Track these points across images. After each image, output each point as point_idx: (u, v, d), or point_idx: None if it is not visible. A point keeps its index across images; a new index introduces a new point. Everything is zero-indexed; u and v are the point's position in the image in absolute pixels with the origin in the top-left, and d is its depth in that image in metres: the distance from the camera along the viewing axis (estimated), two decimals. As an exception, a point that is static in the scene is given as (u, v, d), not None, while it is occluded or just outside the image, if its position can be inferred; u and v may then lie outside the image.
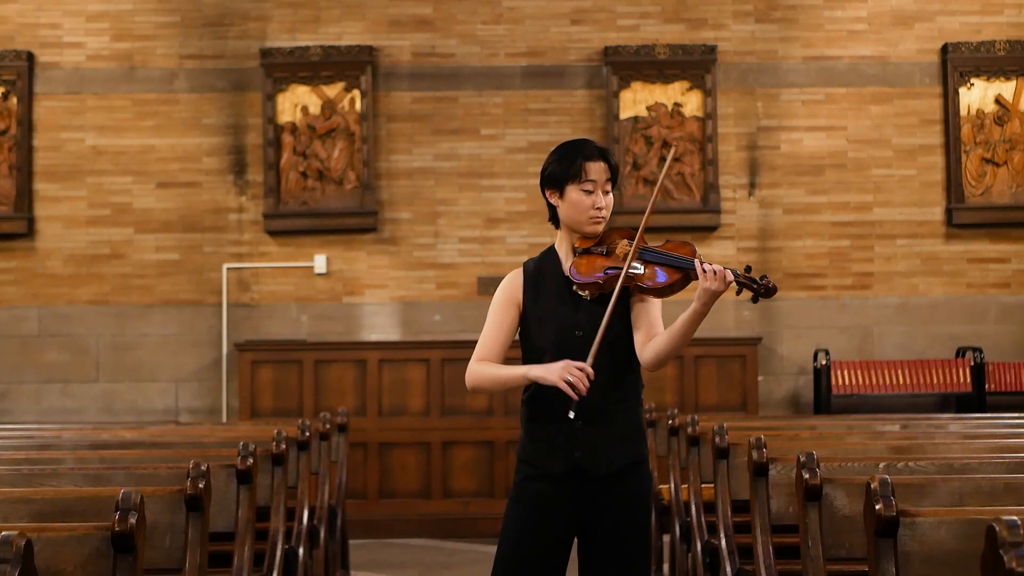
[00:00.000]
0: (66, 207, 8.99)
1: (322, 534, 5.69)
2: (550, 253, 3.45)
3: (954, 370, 8.61)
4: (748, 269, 3.20)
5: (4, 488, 3.24)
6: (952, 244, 9.05)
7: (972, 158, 9.02)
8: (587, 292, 3.30)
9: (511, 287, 3.41)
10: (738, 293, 3.23)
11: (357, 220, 8.93)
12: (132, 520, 2.52)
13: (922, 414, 7.45)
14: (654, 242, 3.37)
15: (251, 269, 8.98)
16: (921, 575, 2.73)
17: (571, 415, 3.17)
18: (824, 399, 8.58)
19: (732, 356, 8.55)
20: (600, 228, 3.37)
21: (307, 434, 5.11)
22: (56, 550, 2.52)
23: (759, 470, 3.84)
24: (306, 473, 5.16)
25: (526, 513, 3.30)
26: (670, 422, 6.00)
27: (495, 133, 8.96)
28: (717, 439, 4.57)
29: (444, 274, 8.90)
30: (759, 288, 3.17)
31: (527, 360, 3.36)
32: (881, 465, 3.76)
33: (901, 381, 8.60)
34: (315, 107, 8.96)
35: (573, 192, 3.34)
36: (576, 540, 3.35)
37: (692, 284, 3.25)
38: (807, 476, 3.27)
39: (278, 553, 4.32)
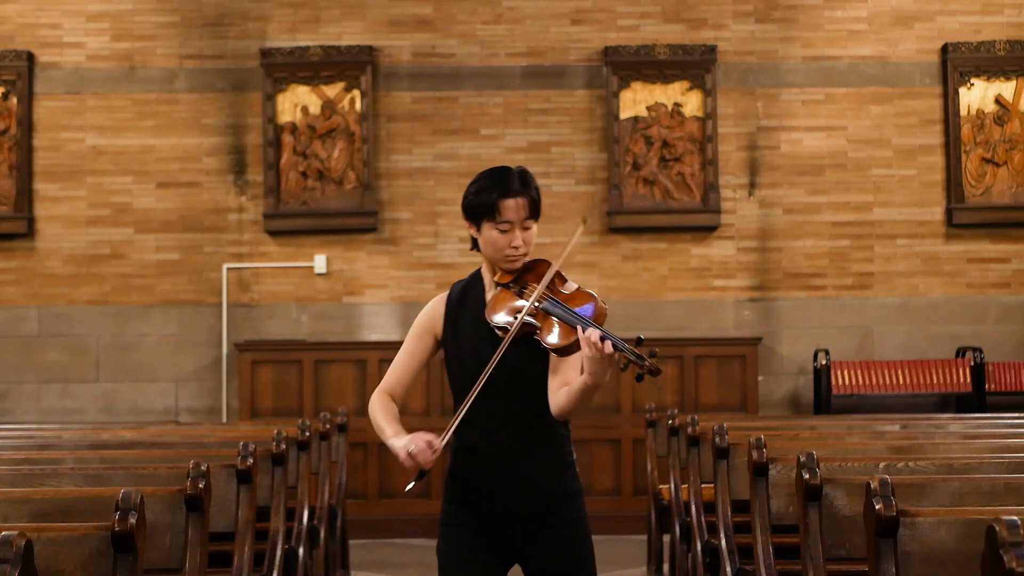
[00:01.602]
0: (66, 207, 8.99)
1: (322, 534, 5.69)
2: (475, 280, 3.32)
3: (954, 370, 8.61)
4: (639, 342, 2.95)
5: (4, 488, 3.24)
6: (952, 244, 9.05)
7: (972, 158, 9.02)
8: (500, 332, 3.16)
9: (431, 316, 3.31)
10: (623, 369, 2.98)
11: (357, 220, 8.93)
12: (132, 520, 2.52)
13: (922, 414, 7.45)
14: (572, 285, 3.19)
15: (251, 269, 8.98)
16: (921, 575, 2.73)
17: (408, 487, 3.11)
18: (824, 399, 8.58)
19: (732, 356, 8.55)
20: (517, 265, 3.20)
21: (307, 434, 5.11)
22: (56, 550, 2.52)
23: (759, 470, 3.84)
24: (306, 473, 5.16)
25: (460, 543, 3.23)
26: (670, 422, 6.00)
27: (495, 133, 8.96)
28: (717, 439, 4.57)
29: (444, 274, 8.90)
30: (644, 367, 2.92)
31: (452, 387, 3.29)
32: (881, 465, 3.76)
33: (901, 381, 8.60)
34: (315, 107, 8.96)
35: (488, 230, 3.17)
36: (519, 566, 3.28)
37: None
38: (807, 476, 3.27)
39: (278, 553, 4.32)
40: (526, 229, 3.19)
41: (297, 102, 8.96)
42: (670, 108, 8.96)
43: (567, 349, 3.06)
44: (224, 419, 8.75)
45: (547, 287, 3.14)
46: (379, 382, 3.38)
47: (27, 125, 8.97)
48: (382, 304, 8.97)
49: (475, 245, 3.28)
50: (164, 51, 9.07)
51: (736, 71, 9.10)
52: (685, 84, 8.98)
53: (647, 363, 2.91)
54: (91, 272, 8.96)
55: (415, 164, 9.04)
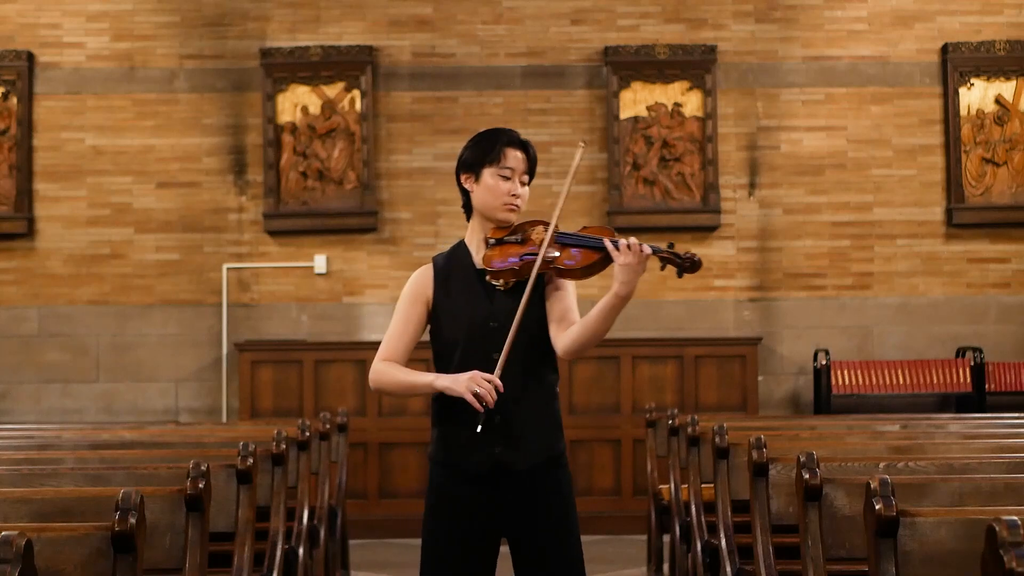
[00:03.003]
0: (66, 207, 8.99)
1: (322, 534, 5.69)
2: (460, 247, 3.32)
3: (954, 370, 8.61)
4: (671, 245, 3.09)
5: (4, 488, 3.24)
6: (952, 244, 9.05)
7: (972, 158, 9.02)
8: (501, 281, 3.18)
9: (419, 283, 3.28)
10: (662, 268, 3.10)
11: (357, 220, 8.93)
12: (132, 520, 2.52)
13: (922, 414, 7.46)
14: (571, 229, 3.26)
15: (251, 269, 8.98)
16: (921, 575, 2.73)
17: (479, 428, 3.07)
18: (824, 399, 8.58)
19: (732, 356, 8.55)
20: (514, 217, 3.25)
21: (307, 434, 5.11)
22: (56, 550, 2.52)
23: (759, 470, 3.84)
24: (306, 473, 5.16)
25: (448, 524, 3.17)
26: (670, 422, 6.00)
27: (495, 133, 8.94)
28: (717, 439, 4.58)
29: (444, 274, 8.89)
30: (683, 262, 3.04)
31: (437, 357, 3.25)
32: (881, 465, 3.76)
33: (901, 381, 8.60)
34: (315, 107, 8.96)
35: (489, 176, 3.22)
36: (507, 540, 3.24)
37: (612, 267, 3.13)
38: (807, 476, 3.27)
39: (278, 553, 4.32)
40: (523, 184, 3.27)
41: (297, 102, 8.96)
42: (670, 108, 8.96)
43: (590, 269, 3.13)
44: (224, 419, 8.75)
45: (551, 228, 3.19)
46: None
47: (27, 125, 8.97)
48: (382, 304, 8.97)
49: (466, 205, 3.30)
50: (164, 51, 9.07)
51: (736, 71, 9.10)
52: (685, 84, 8.98)
53: (685, 257, 3.06)
54: (91, 272, 8.96)
55: (415, 164, 9.04)
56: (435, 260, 3.33)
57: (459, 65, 9.09)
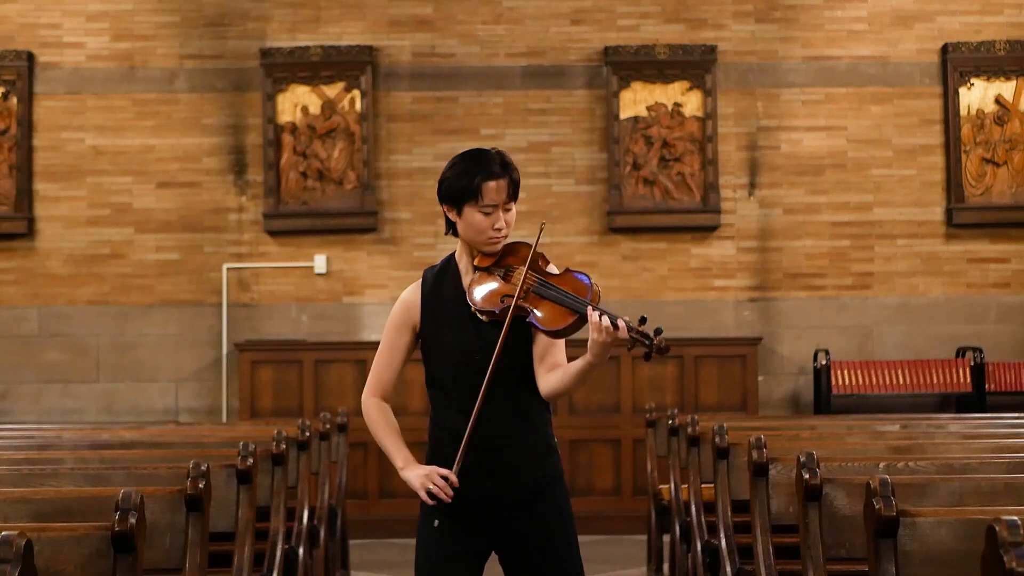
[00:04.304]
0: (66, 207, 8.99)
1: (322, 534, 5.69)
2: (450, 265, 3.29)
3: (954, 370, 8.61)
4: (643, 320, 2.98)
5: (4, 488, 3.24)
6: (952, 244, 9.05)
7: (972, 158, 9.02)
8: (484, 317, 3.15)
9: (406, 309, 3.27)
10: (629, 349, 3.00)
11: (357, 220, 8.93)
12: (132, 520, 2.52)
13: (922, 414, 7.46)
14: (553, 267, 3.19)
15: (251, 269, 8.98)
16: (921, 575, 2.73)
17: (435, 523, 3.11)
18: (824, 399, 8.58)
19: (732, 356, 8.55)
20: (499, 247, 3.19)
21: (307, 434, 5.11)
22: (56, 550, 2.52)
23: (759, 470, 3.84)
24: (306, 473, 5.16)
25: (439, 531, 3.17)
26: (670, 422, 6.00)
27: (495, 133, 8.95)
28: (717, 439, 4.58)
29: (444, 274, 8.89)
30: (652, 346, 2.93)
31: (430, 380, 3.26)
32: (881, 465, 3.76)
33: (901, 381, 8.60)
34: (315, 107, 8.96)
35: (471, 213, 3.15)
36: (496, 553, 3.24)
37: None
38: (807, 476, 3.27)
39: (278, 553, 4.32)
40: (507, 211, 3.17)
41: (297, 102, 8.96)
42: (670, 108, 8.96)
43: (564, 331, 3.06)
44: (224, 419, 8.75)
45: (532, 269, 3.12)
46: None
47: (27, 125, 8.96)
48: (382, 304, 8.97)
49: (450, 229, 3.26)
50: (164, 51, 9.07)
51: (736, 71, 9.10)
52: (685, 84, 8.98)
53: (655, 341, 2.93)
54: (91, 272, 8.96)
55: (415, 164, 9.04)
56: (424, 277, 3.30)
57: (459, 65, 9.09)
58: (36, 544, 2.23)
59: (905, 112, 9.09)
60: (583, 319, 3.02)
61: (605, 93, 8.98)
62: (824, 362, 8.64)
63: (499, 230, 3.16)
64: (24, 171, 8.92)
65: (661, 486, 6.35)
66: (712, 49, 8.97)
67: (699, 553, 4.97)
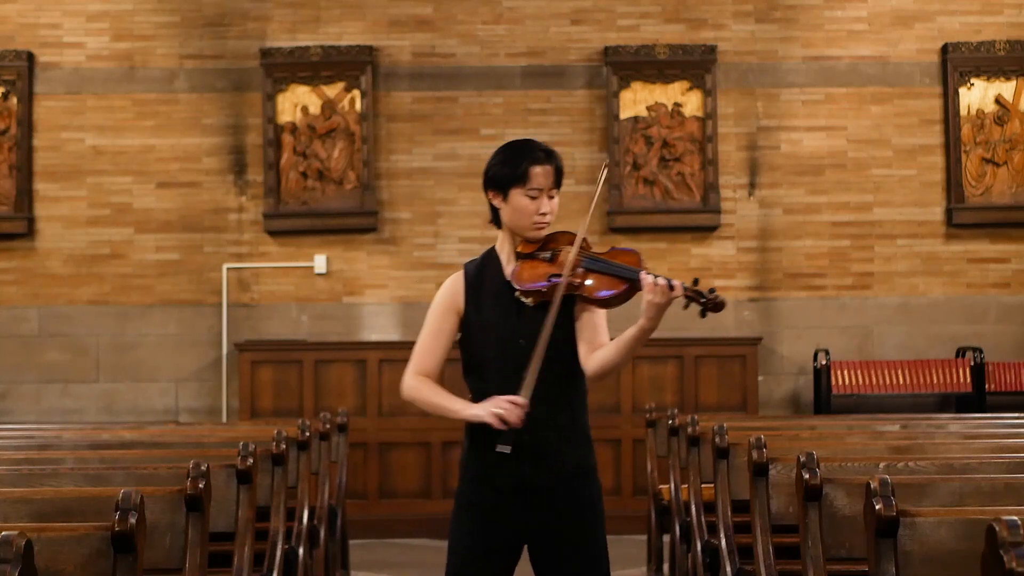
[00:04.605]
0: (66, 207, 8.99)
1: (322, 534, 5.69)
2: (491, 256, 3.35)
3: (954, 370, 8.61)
4: (696, 282, 3.11)
5: (4, 488, 3.24)
6: (952, 244, 9.05)
7: (972, 158, 9.02)
8: (530, 299, 3.20)
9: (451, 293, 3.32)
10: (685, 307, 3.13)
11: (357, 220, 8.93)
12: (132, 520, 2.52)
13: (922, 414, 7.45)
14: (600, 248, 3.27)
15: (251, 269, 8.98)
16: (921, 575, 2.73)
17: (502, 448, 3.09)
18: (824, 399, 8.58)
19: (732, 356, 8.55)
20: (543, 233, 3.27)
21: (307, 434, 5.11)
22: (56, 550, 2.52)
23: (759, 470, 3.84)
24: (306, 473, 5.16)
25: (473, 525, 3.22)
26: (670, 422, 6.00)
27: (495, 133, 8.95)
28: (717, 439, 4.57)
29: (444, 274, 8.79)
30: (706, 303, 3.07)
31: (467, 368, 3.29)
32: (881, 465, 3.75)
33: (901, 381, 8.60)
34: (315, 107, 8.96)
35: (517, 197, 3.23)
36: (527, 549, 3.28)
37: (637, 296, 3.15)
38: (807, 476, 3.27)
39: (278, 553, 4.32)
40: (551, 198, 3.26)
41: (297, 102, 8.96)
42: (670, 108, 8.96)
43: (615, 299, 3.15)
44: (224, 419, 8.75)
45: (579, 249, 3.20)
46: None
47: (27, 125, 8.96)
48: (382, 304, 8.97)
49: (494, 219, 3.32)
50: (164, 51, 9.07)
51: (736, 71, 9.10)
52: (685, 84, 8.98)
53: (709, 298, 3.09)
54: (91, 272, 8.96)
55: (415, 164, 9.04)
56: (466, 268, 3.36)
57: (459, 65, 9.09)
58: (36, 544, 2.22)
59: (905, 112, 9.09)
60: (633, 288, 3.13)
61: (605, 93, 8.98)
62: (824, 362, 8.64)
63: (544, 215, 3.24)
64: (24, 171, 8.92)
65: (661, 486, 6.35)
66: (712, 49, 8.97)
67: (699, 553, 4.96)
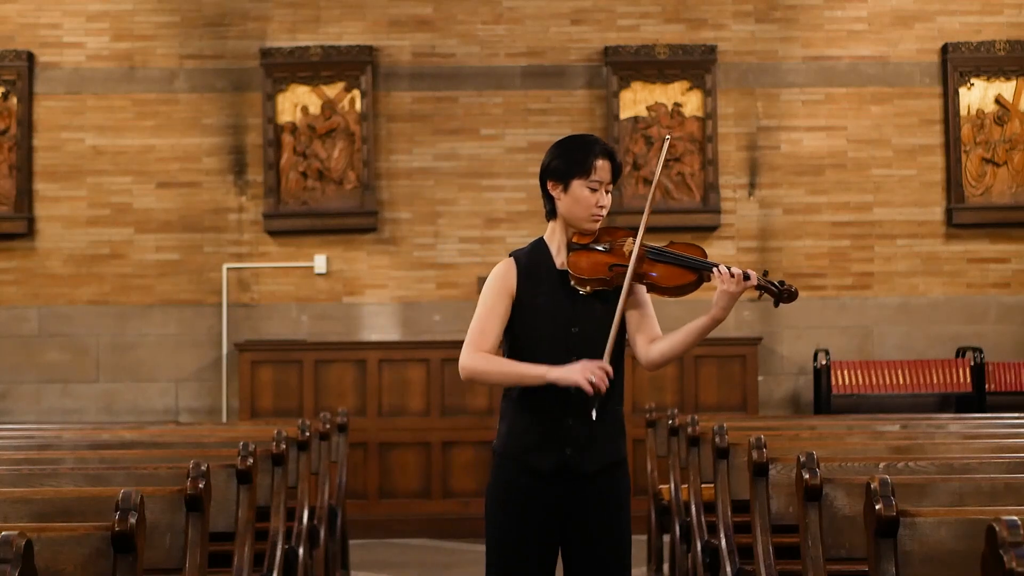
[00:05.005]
0: (66, 207, 8.99)
1: (322, 534, 5.69)
2: (539, 245, 3.39)
3: (954, 370, 8.61)
4: (765, 273, 3.20)
5: (4, 488, 3.24)
6: (952, 244, 9.05)
7: (972, 158, 9.02)
8: (587, 288, 3.24)
9: (505, 277, 3.33)
10: (758, 297, 3.25)
11: (357, 220, 8.93)
12: (132, 520, 2.52)
13: (922, 414, 7.45)
14: (657, 243, 3.34)
15: (251, 269, 8.98)
16: (921, 575, 2.73)
17: (594, 414, 3.14)
18: (824, 399, 8.58)
19: (732, 356, 8.54)
20: (597, 226, 3.34)
21: (307, 434, 5.11)
22: (56, 550, 2.52)
23: (759, 470, 3.84)
24: (306, 473, 5.16)
25: (516, 514, 3.25)
26: (670, 422, 6.00)
27: (495, 133, 8.96)
28: (717, 439, 4.57)
29: (444, 274, 8.90)
30: (781, 292, 3.15)
31: (512, 353, 3.30)
32: (881, 465, 3.76)
33: (901, 381, 8.60)
34: (315, 107, 8.96)
35: (578, 188, 3.31)
36: (561, 552, 3.31)
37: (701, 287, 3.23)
38: (807, 476, 3.27)
39: (278, 553, 4.32)
40: (608, 192, 3.35)
41: (297, 102, 8.96)
42: (670, 108, 8.96)
43: (682, 290, 3.23)
44: (224, 419, 8.75)
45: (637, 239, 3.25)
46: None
47: (27, 125, 8.96)
48: (382, 304, 8.97)
49: (550, 211, 3.37)
50: (164, 51, 9.07)
51: (736, 71, 9.10)
52: (685, 84, 8.98)
53: (783, 288, 3.16)
54: (91, 272, 8.96)
55: (415, 164, 9.04)
56: (516, 256, 3.39)
57: (459, 65, 9.09)
58: (36, 544, 2.23)
59: (905, 112, 9.09)
60: (701, 279, 3.21)
61: (605, 93, 8.98)
62: (824, 362, 8.64)
63: (602, 207, 3.32)
64: (24, 171, 8.92)
65: (661, 486, 6.36)
66: (712, 49, 8.97)
67: (699, 553, 4.96)
